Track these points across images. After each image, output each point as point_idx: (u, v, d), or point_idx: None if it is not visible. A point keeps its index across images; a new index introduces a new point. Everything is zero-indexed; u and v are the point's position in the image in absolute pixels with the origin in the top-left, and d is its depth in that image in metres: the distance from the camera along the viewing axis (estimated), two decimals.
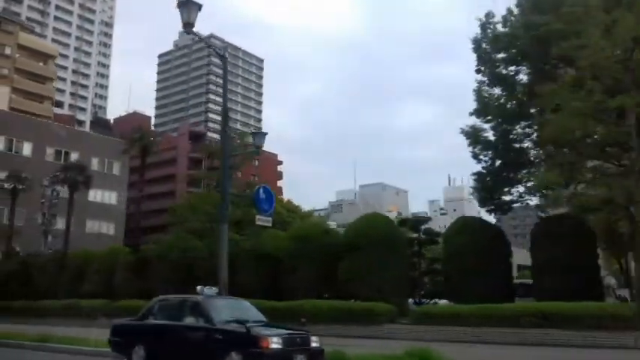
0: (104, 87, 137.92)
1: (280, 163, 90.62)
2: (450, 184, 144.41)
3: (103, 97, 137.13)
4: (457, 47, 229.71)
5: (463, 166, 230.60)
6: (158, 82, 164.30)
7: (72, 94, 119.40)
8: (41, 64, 74.57)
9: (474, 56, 24.37)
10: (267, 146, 27.29)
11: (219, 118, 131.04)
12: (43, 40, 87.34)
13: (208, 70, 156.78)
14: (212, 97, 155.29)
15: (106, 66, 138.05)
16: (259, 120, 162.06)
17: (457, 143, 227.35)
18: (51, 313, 28.12)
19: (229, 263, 13.75)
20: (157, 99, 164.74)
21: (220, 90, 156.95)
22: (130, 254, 30.12)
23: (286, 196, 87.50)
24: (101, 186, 59.94)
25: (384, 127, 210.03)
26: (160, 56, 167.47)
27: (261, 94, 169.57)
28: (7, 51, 70.00)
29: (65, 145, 58.47)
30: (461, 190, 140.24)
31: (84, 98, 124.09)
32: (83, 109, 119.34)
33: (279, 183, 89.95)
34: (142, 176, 46.31)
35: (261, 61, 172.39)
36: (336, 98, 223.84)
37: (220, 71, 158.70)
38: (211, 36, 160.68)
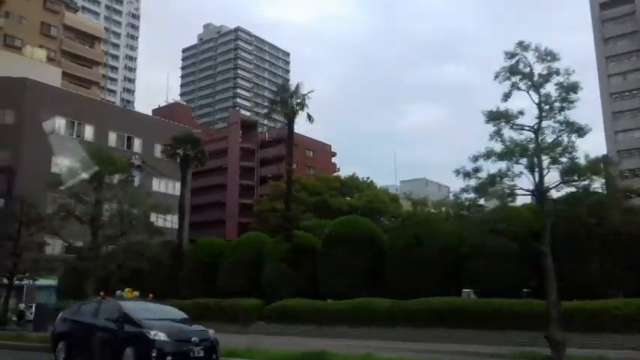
0: (131, 80, 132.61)
1: (334, 154, 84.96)
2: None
3: (131, 91, 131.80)
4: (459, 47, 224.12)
5: None
6: (182, 77, 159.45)
7: (101, 87, 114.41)
8: (87, 46, 69.15)
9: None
10: None
11: (247, 112, 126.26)
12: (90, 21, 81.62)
13: (235, 63, 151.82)
14: (239, 91, 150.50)
15: (133, 59, 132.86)
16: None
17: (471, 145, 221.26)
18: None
19: None
20: (182, 94, 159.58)
21: (246, 84, 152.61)
22: (280, 243, 23.67)
23: None
24: (165, 175, 54.59)
25: (394, 127, 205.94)
26: (184, 50, 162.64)
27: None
28: (54, 32, 64.61)
29: (128, 129, 53.02)
30: None
31: (112, 92, 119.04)
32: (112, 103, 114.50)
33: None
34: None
35: (288, 54, 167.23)
36: (343, 98, 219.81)
37: (247, 64, 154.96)
38: (238, 29, 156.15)
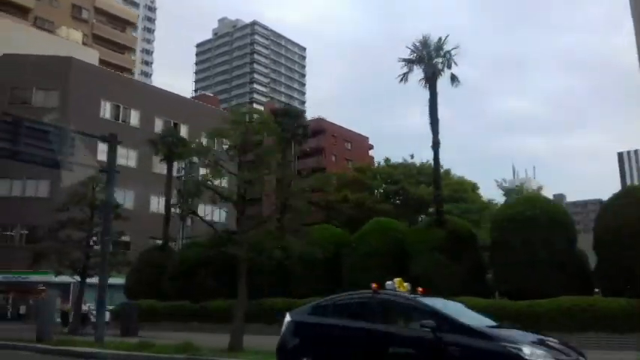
0: (148, 75, 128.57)
1: (371, 147, 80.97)
2: (514, 176, 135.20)
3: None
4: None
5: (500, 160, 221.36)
6: (196, 72, 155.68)
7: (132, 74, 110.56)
8: (119, 30, 65.16)
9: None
10: None
11: (262, 107, 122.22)
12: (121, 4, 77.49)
13: (252, 58, 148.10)
14: (256, 86, 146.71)
15: (149, 52, 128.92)
16: (303, 103, 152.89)
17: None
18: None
19: None
20: (196, 90, 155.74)
21: (263, 79, 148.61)
22: (431, 230, 19.11)
23: None
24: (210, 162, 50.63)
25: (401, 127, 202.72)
26: (198, 45, 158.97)
27: (304, 84, 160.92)
28: (85, 15, 60.59)
29: (173, 115, 49.02)
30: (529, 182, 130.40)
31: None
32: None
33: None
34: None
35: (304, 49, 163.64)
36: (348, 100, 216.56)
37: (263, 59, 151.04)
38: (254, 23, 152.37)
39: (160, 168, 48.30)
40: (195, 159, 17.66)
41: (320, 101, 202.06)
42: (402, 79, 20.10)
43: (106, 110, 44.45)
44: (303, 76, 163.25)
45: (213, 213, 49.85)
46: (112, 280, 38.69)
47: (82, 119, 41.98)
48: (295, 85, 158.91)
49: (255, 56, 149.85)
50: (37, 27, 55.29)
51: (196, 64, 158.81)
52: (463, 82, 19.93)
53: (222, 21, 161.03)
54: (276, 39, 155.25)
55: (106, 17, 63.52)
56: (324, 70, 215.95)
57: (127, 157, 45.27)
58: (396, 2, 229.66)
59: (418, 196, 40.25)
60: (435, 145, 19.64)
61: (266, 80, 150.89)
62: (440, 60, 19.95)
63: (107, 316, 30.32)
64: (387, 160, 52.82)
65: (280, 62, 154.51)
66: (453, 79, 20.04)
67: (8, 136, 15.39)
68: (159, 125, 48.05)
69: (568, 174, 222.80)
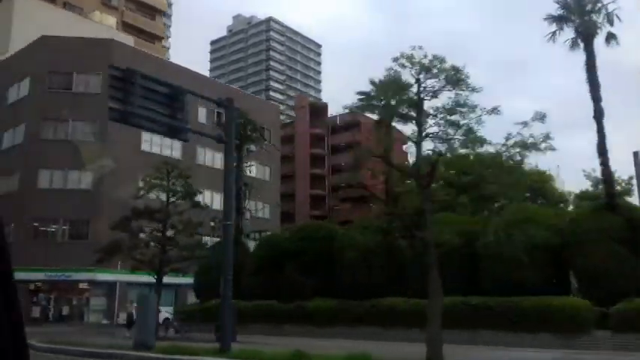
0: None
1: (405, 142, 77.57)
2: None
3: None
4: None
5: None
6: (211, 70, 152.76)
7: None
8: (149, 19, 62.28)
9: None
10: None
11: (280, 105, 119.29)
12: None
13: (267, 55, 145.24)
14: (272, 83, 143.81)
15: (167, 49, 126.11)
16: (319, 100, 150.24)
17: None
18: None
19: None
20: None
21: (279, 76, 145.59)
22: (602, 215, 15.80)
23: None
24: (256, 157, 47.70)
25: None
26: (212, 42, 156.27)
27: (319, 81, 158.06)
28: (114, 1, 57.68)
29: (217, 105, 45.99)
30: None
31: None
32: None
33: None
34: None
35: (319, 46, 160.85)
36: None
37: (279, 56, 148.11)
38: (270, 19, 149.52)
39: (205, 160, 45.43)
40: None
41: (335, 97, 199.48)
42: (550, 38, 17.11)
43: None
44: (319, 73, 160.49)
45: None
46: (171, 280, 35.79)
47: None
48: (311, 83, 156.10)
49: (271, 53, 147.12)
50: None
51: (211, 61, 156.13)
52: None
53: (236, 18, 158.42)
54: (291, 35, 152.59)
55: (135, 4, 60.64)
56: (337, 67, 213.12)
57: (172, 148, 42.38)
58: (408, 3, 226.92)
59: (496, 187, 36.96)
60: (598, 114, 16.58)
61: (282, 77, 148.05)
62: (595, 16, 16.91)
63: (162, 318, 27.46)
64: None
65: (296, 59, 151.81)
66: (610, 38, 16.99)
67: (118, 94, 12.43)
68: (202, 114, 45.13)
69: None
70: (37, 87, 38.68)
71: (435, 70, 11.74)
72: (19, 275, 35.07)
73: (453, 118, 11.46)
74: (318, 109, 71.93)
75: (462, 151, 12.14)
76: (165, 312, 27.43)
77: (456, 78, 11.51)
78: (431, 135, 11.77)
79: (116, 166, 37.89)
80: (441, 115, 11.62)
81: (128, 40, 49.88)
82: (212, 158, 45.09)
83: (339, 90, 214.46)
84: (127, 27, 59.40)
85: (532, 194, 34.80)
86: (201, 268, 26.15)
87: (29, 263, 34.96)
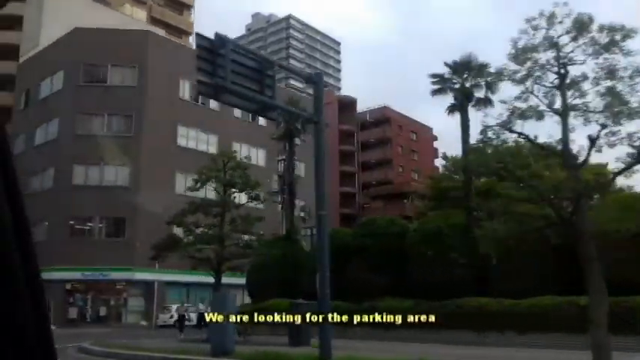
0: None
1: (435, 138, 75.84)
2: None
3: None
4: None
5: None
6: None
7: None
8: (177, 14, 61.01)
9: None
10: None
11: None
12: None
13: (287, 53, 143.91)
14: (292, 82, 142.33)
15: (191, 45, 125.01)
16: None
17: None
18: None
19: None
20: None
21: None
22: None
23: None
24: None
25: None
26: None
27: (339, 79, 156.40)
28: None
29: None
30: None
31: None
32: None
33: (436, 162, 75.29)
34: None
35: (338, 43, 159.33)
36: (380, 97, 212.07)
37: (298, 53, 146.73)
38: (289, 17, 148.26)
39: (241, 155, 43.92)
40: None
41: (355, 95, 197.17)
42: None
43: (185, 90, 40.12)
44: (339, 70, 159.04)
45: None
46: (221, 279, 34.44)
47: (161, 100, 37.84)
48: (331, 80, 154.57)
49: (291, 51, 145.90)
50: None
51: None
52: None
53: (255, 16, 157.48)
54: (311, 33, 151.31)
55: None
56: (354, 65, 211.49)
57: (208, 143, 40.96)
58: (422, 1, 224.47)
59: (556, 181, 34.96)
60: None
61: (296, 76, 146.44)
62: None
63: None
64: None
65: (315, 57, 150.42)
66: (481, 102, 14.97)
67: (207, 66, 10.86)
68: (237, 110, 43.64)
69: None
70: (70, 81, 37.46)
71: (581, 33, 10.03)
72: (55, 275, 33.81)
73: (608, 85, 9.74)
74: (347, 105, 70.17)
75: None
76: (201, 307, 25.74)
77: (610, 39, 9.79)
78: (579, 107, 10.07)
79: (152, 161, 36.59)
80: (593, 84, 9.90)
81: (160, 34, 48.57)
82: (248, 154, 43.61)
83: (359, 87, 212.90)
84: (154, 22, 58.14)
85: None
86: (254, 266, 24.61)
87: (65, 262, 33.74)
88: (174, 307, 34.08)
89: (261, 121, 45.30)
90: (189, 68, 39.62)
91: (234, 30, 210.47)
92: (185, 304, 30.26)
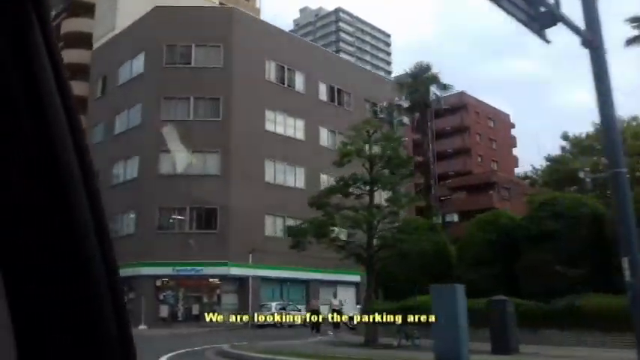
0: None
1: (513, 126, 71.15)
2: None
3: None
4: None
5: None
6: None
7: None
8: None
9: None
10: None
11: None
12: None
13: (337, 47, 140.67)
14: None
15: None
16: None
17: None
18: None
19: None
20: None
21: None
22: None
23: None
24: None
25: None
26: None
27: (390, 72, 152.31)
28: None
29: (338, 81, 41.38)
30: None
31: None
32: None
33: (514, 151, 70.72)
34: None
35: (388, 36, 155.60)
36: None
37: (349, 47, 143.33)
38: (338, 10, 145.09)
39: (328, 141, 40.75)
40: None
41: None
42: None
43: (271, 71, 37.18)
44: (389, 63, 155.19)
45: None
46: (334, 276, 31.37)
47: (248, 82, 35.00)
48: (381, 73, 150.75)
49: (341, 44, 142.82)
50: None
51: None
52: None
53: (303, 11, 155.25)
54: (360, 26, 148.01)
55: None
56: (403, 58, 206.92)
57: (295, 128, 37.96)
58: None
59: None
60: None
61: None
62: None
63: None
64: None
65: (365, 50, 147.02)
66: None
67: None
68: (323, 91, 40.56)
69: None
70: (152, 63, 34.98)
71: None
72: (144, 270, 31.31)
73: None
74: None
75: None
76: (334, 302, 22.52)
77: None
78: None
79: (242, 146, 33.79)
80: None
81: None
82: (334, 140, 40.44)
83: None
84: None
85: None
86: (391, 257, 21.14)
87: (155, 257, 31.26)
88: (273, 304, 31.17)
89: (349, 105, 42.14)
90: (275, 48, 36.78)
91: (283, 27, 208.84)
92: (334, 299, 27.10)
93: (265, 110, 35.90)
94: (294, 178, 36.59)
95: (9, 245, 0.72)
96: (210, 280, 32.25)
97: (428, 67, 43.29)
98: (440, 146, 65.46)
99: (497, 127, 68.03)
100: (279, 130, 36.69)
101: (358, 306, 37.71)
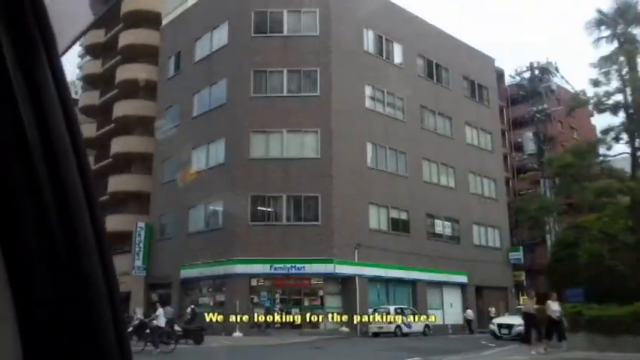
0: None
1: (592, 114, 65.07)
2: None
3: None
4: None
5: None
6: None
7: None
8: None
9: None
10: None
11: None
12: None
13: None
14: None
15: None
16: None
17: None
18: None
19: None
20: None
21: None
22: None
23: None
24: (473, 121, 38.23)
25: None
26: None
27: None
28: None
29: (437, 56, 36.66)
30: None
31: None
32: None
33: None
34: None
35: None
36: None
37: None
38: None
39: (436, 125, 36.07)
40: None
41: None
42: None
43: (369, 42, 32.64)
44: None
45: None
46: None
47: (347, 53, 30.55)
48: None
49: None
50: None
51: None
52: None
53: None
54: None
55: None
56: None
57: (395, 107, 33.42)
58: None
59: None
60: None
61: None
62: None
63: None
64: None
65: None
66: None
67: None
68: (420, 66, 35.88)
69: None
70: (238, 33, 30.75)
71: None
72: (238, 268, 27.11)
73: None
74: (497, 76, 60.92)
75: None
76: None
77: None
78: None
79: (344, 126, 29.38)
80: None
81: None
82: (434, 122, 35.80)
83: None
84: None
85: None
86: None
87: (249, 253, 27.01)
88: (392, 308, 26.63)
89: (447, 83, 37.47)
90: (371, 15, 31.95)
91: None
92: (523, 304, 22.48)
93: (365, 86, 31.40)
94: (396, 163, 32.01)
95: (10, 247, 0.74)
96: (313, 279, 27.82)
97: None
98: (517, 136, 60.31)
99: (578, 114, 62.34)
100: (379, 108, 32.14)
101: (469, 310, 32.92)
